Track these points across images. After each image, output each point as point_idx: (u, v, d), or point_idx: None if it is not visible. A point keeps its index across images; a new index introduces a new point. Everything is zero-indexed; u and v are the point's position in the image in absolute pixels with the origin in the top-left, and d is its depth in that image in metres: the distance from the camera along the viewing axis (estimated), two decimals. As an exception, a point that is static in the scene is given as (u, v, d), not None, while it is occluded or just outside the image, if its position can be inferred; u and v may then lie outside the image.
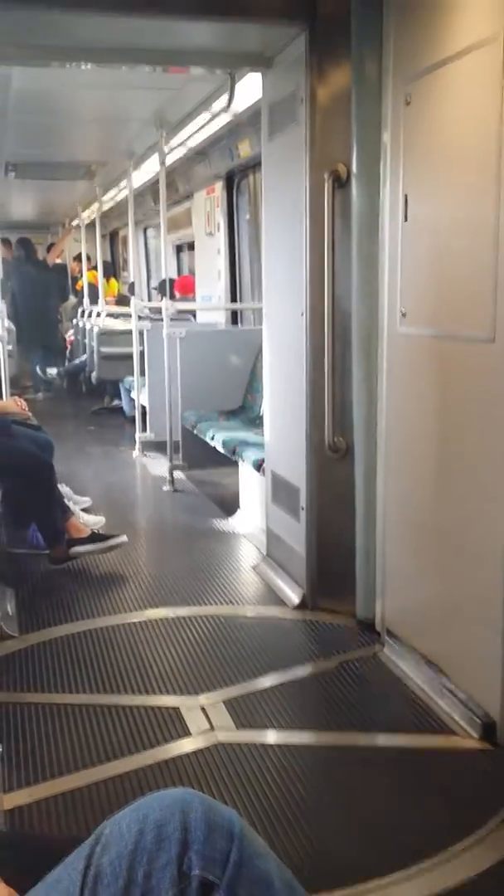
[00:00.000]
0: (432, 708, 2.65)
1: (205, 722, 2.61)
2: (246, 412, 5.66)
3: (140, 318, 6.77)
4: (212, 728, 2.58)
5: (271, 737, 2.55)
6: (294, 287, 3.44)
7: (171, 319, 5.60)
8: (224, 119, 4.96)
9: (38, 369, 10.07)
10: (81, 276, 10.43)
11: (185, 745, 2.48)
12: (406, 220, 2.77)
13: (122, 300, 9.70)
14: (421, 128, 2.65)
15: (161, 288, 8.45)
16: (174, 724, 2.60)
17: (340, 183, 3.13)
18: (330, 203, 3.15)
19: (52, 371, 10.05)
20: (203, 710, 2.69)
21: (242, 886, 0.92)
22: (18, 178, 7.14)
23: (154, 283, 10.03)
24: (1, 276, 5.03)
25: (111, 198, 8.79)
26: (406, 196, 2.75)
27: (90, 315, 9.37)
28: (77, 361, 9.77)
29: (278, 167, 3.65)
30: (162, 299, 5.81)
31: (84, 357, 9.32)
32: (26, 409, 4.31)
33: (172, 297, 6.54)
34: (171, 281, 7.44)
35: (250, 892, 0.92)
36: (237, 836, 0.94)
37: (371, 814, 2.17)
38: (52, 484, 4.02)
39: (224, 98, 4.26)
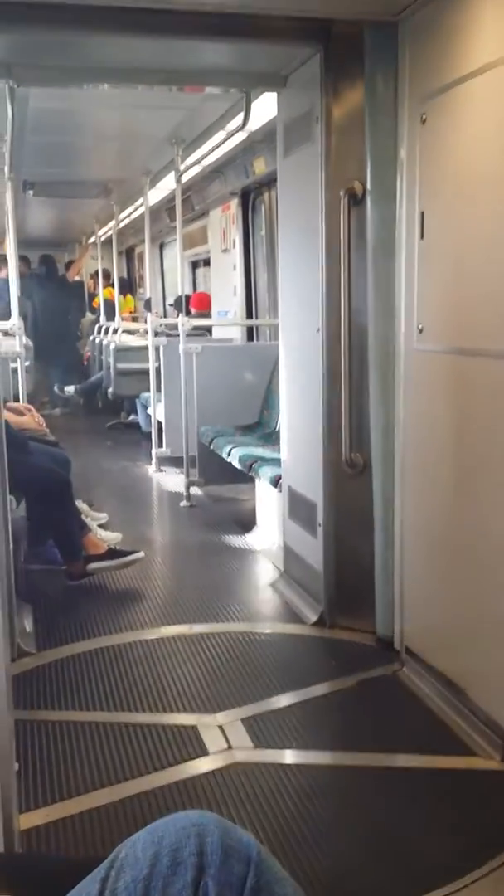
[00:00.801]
0: (452, 728, 2.63)
1: (222, 741, 2.60)
2: (262, 428, 5.66)
3: (156, 334, 6.80)
4: (229, 747, 2.56)
5: (289, 756, 2.54)
6: (310, 303, 3.45)
7: (187, 335, 5.62)
8: (239, 137, 4.98)
9: (55, 387, 10.14)
10: (98, 293, 10.49)
11: (203, 765, 2.47)
12: (422, 237, 2.76)
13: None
14: (437, 146, 2.66)
15: (177, 304, 8.50)
16: (192, 743, 2.59)
17: (356, 200, 3.13)
18: (346, 220, 3.15)
19: (70, 389, 10.10)
20: (221, 728, 2.67)
21: (259, 912, 0.91)
22: (36, 196, 7.20)
23: (170, 301, 10.07)
24: (19, 293, 5.06)
25: (127, 215, 8.85)
26: (423, 213, 2.75)
27: (107, 331, 9.42)
28: (94, 378, 9.82)
29: (294, 185, 3.66)
30: (178, 316, 5.83)
31: (101, 373, 9.37)
32: (43, 424, 4.33)
33: (188, 313, 6.57)
34: (187, 297, 7.47)
35: (268, 919, 0.91)
36: (254, 860, 0.93)
37: (390, 836, 2.15)
38: (69, 500, 4.03)
39: (239, 117, 4.29)
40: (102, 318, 10.07)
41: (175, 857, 0.93)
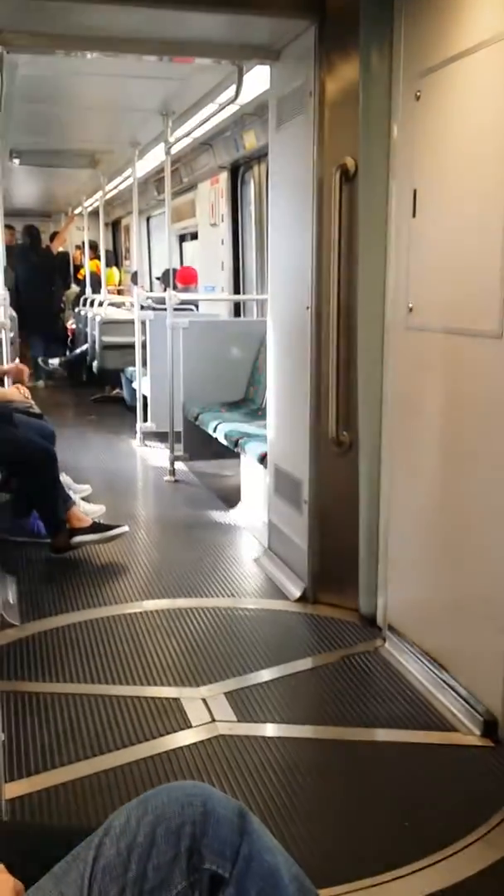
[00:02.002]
0: (433, 704, 2.66)
1: (206, 714, 2.62)
2: (248, 404, 5.66)
3: (142, 307, 6.77)
4: (213, 720, 2.58)
5: (272, 730, 2.56)
6: (300, 280, 3.44)
7: (174, 309, 5.59)
8: (230, 110, 4.94)
9: (39, 360, 10.07)
10: (84, 264, 10.40)
11: (187, 737, 2.49)
12: (414, 215, 2.76)
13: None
14: (431, 123, 2.64)
15: (164, 278, 8.45)
16: (175, 716, 2.61)
17: (348, 176, 3.12)
18: (337, 196, 3.14)
19: (54, 362, 10.04)
20: (204, 701, 2.69)
21: (252, 881, 0.92)
22: (23, 165, 7.13)
23: (157, 274, 10.00)
24: (4, 263, 5.01)
25: (115, 186, 8.77)
26: (415, 191, 2.75)
27: (92, 304, 9.36)
28: (78, 351, 9.77)
29: (286, 159, 3.64)
30: (165, 290, 5.80)
31: (85, 346, 9.31)
32: (29, 397, 4.30)
33: (174, 287, 6.53)
34: (174, 271, 7.42)
35: (259, 887, 0.92)
36: (246, 830, 0.95)
37: (372, 810, 2.18)
38: (54, 473, 4.02)
39: (230, 89, 4.24)
40: (88, 290, 9.98)
41: (168, 825, 0.94)
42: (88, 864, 0.94)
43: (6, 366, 4.47)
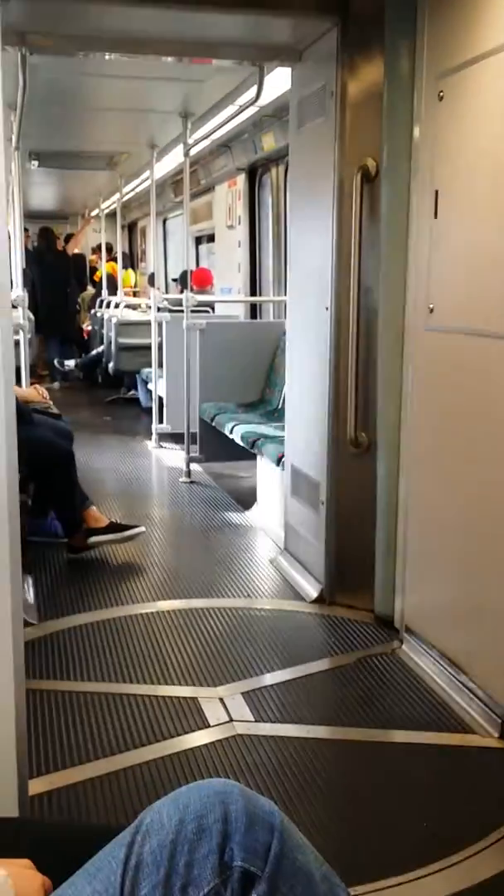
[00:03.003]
0: (451, 706, 2.65)
1: (223, 713, 2.62)
2: (264, 405, 5.66)
3: (159, 309, 6.78)
4: (230, 720, 2.58)
5: (289, 730, 2.55)
6: (319, 281, 3.44)
7: (190, 311, 5.60)
8: (250, 111, 4.94)
9: (55, 361, 10.11)
10: (100, 266, 10.43)
11: (204, 736, 2.49)
12: (436, 216, 2.75)
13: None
14: (454, 124, 2.64)
15: (181, 280, 8.46)
16: (193, 715, 2.61)
17: (369, 177, 3.12)
18: (358, 197, 3.13)
19: (70, 363, 10.07)
20: (221, 701, 2.69)
21: (284, 879, 0.92)
22: (42, 167, 7.15)
23: (174, 275, 10.02)
24: (23, 265, 5.03)
25: (132, 189, 8.79)
26: (437, 192, 2.74)
27: (108, 306, 9.39)
28: (93, 353, 9.80)
29: (306, 161, 3.64)
30: (182, 291, 5.81)
31: (101, 348, 9.34)
32: (47, 397, 4.32)
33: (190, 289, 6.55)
34: (191, 273, 7.44)
35: (291, 885, 0.92)
36: (278, 828, 0.94)
37: (389, 811, 2.17)
38: (71, 473, 4.03)
39: (250, 91, 4.25)
40: (104, 292, 10.02)
41: (200, 823, 0.94)
42: (120, 862, 0.94)
43: (25, 390, 4.49)
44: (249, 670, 2.91)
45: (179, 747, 2.44)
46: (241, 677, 2.86)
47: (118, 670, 2.93)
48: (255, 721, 2.58)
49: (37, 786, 2.22)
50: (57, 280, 10.19)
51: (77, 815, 2.14)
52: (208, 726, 2.55)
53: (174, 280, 8.95)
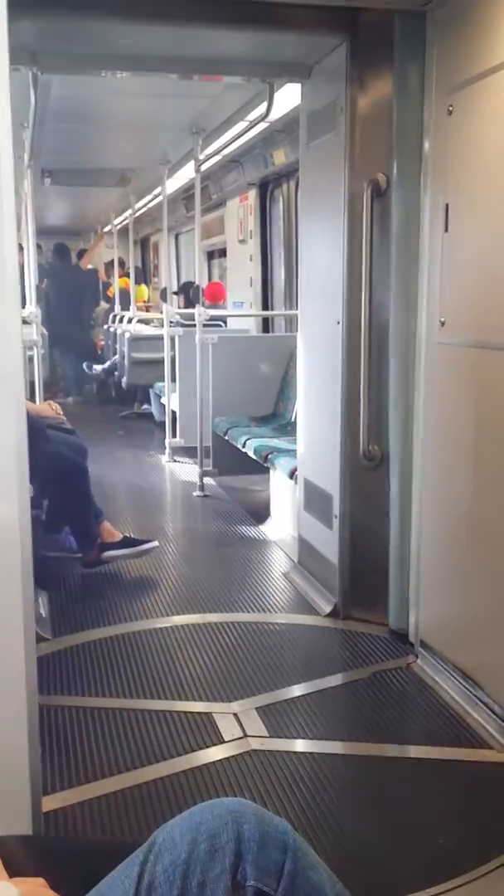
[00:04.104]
0: (466, 720, 2.64)
1: (238, 728, 2.61)
2: (277, 419, 5.66)
3: (171, 323, 6.81)
4: (245, 735, 2.57)
5: (304, 745, 2.55)
6: (331, 295, 3.44)
7: (203, 326, 5.62)
8: (260, 127, 4.97)
9: (84, 366, 10.15)
10: (113, 281, 10.49)
11: (219, 752, 2.49)
12: (447, 230, 2.76)
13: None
14: (463, 138, 2.65)
15: (183, 291, 8.48)
16: (207, 731, 2.60)
17: (379, 192, 3.13)
18: (368, 212, 3.14)
19: (98, 368, 10.07)
20: (236, 716, 2.69)
21: (297, 898, 0.92)
22: (54, 184, 7.21)
23: (175, 288, 10.04)
24: (37, 281, 5.07)
25: (144, 204, 8.84)
26: (447, 206, 2.74)
27: (121, 320, 9.43)
28: (107, 365, 9.83)
29: (317, 176, 3.65)
30: (187, 304, 5.82)
31: (115, 358, 9.37)
32: (61, 413, 4.34)
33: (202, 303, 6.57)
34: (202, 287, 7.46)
35: (304, 904, 0.92)
36: (291, 847, 0.94)
37: (405, 827, 2.16)
38: (85, 487, 4.04)
39: (261, 107, 4.28)
40: (117, 307, 10.07)
41: (213, 842, 0.94)
42: (133, 881, 0.94)
43: (38, 405, 4.51)
44: (264, 685, 2.91)
45: (194, 763, 2.43)
46: (255, 692, 2.86)
47: (132, 685, 2.93)
48: (270, 736, 2.58)
49: (50, 803, 2.21)
50: (72, 295, 10.26)
51: (91, 831, 2.13)
52: (223, 742, 2.54)
53: (174, 293, 8.95)
